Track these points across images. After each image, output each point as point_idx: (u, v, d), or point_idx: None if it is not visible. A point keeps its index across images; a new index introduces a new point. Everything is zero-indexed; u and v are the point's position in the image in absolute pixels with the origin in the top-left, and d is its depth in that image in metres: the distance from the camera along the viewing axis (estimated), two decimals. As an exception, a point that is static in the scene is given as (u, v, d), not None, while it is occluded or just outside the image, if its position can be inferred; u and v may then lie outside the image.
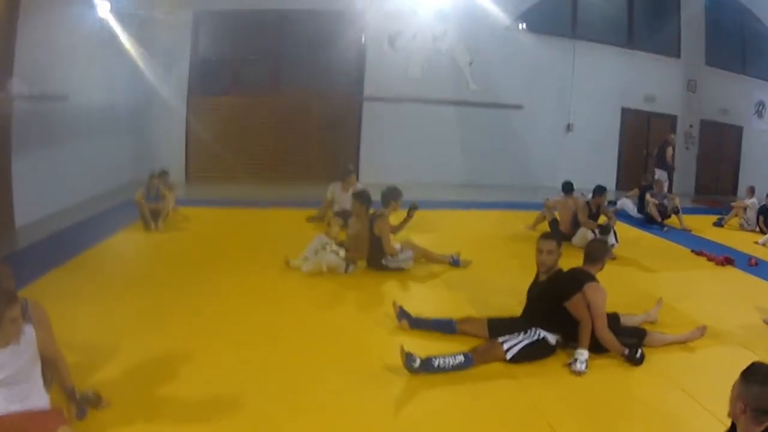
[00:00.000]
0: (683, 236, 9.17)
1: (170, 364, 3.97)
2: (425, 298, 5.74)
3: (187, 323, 4.76)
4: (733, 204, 10.63)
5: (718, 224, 10.27)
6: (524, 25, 12.91)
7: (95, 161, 10.28)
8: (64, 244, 7.18)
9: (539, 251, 4.42)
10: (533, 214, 8.91)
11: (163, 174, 8.65)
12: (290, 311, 5.20)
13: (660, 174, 11.59)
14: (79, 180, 9.64)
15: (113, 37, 10.60)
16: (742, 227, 10.07)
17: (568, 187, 8.52)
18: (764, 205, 10.01)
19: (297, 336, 4.62)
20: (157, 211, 8.13)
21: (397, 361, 3.90)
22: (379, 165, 12.72)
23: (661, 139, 12.55)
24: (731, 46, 14.55)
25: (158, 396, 3.57)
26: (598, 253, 4.54)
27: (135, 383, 3.69)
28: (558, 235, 6.65)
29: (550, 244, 4.42)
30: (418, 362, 3.86)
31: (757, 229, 9.79)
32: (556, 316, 4.28)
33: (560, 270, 4.48)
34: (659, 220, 9.71)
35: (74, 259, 6.47)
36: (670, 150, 12.05)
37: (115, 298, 5.24)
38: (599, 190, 8.18)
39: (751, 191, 10.19)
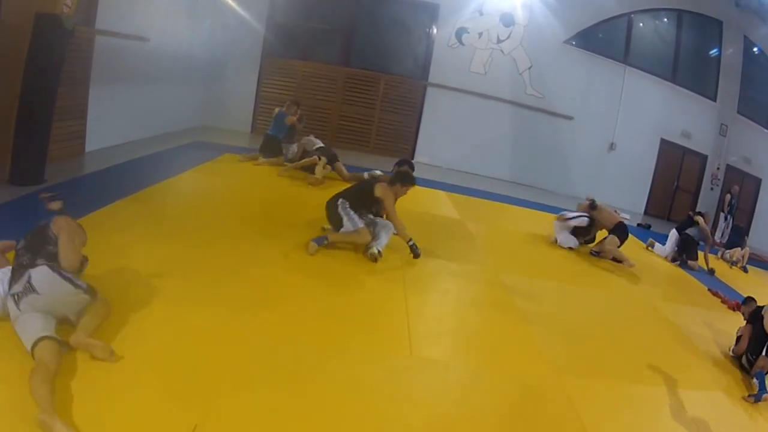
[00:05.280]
0: (705, 276, 9.09)
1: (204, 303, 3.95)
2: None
3: (233, 272, 4.64)
4: None
5: None
6: (582, 43, 13.61)
7: (167, 103, 10.55)
8: (130, 176, 7.12)
9: None
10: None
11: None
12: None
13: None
14: (150, 117, 9.85)
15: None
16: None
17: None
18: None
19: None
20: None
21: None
22: (433, 148, 13.22)
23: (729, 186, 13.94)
24: (761, 100, 15.43)
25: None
26: None
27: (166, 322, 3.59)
28: None
29: None
30: None
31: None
32: None
33: None
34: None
35: (138, 193, 6.30)
36: (727, 197, 13.18)
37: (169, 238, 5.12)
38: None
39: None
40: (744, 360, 5.06)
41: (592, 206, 8.40)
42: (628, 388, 4.19)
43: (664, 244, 9.75)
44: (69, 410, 2.58)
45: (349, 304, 4.51)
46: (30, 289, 3.01)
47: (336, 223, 5.75)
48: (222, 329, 3.62)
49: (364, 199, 5.82)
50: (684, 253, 9.33)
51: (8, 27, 5.44)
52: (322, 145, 9.37)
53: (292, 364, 3.42)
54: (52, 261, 3.18)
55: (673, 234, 9.60)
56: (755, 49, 15.00)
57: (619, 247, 8.11)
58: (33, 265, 3.09)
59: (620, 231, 8.19)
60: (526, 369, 4.11)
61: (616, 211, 8.64)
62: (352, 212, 5.70)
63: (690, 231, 9.40)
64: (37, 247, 3.19)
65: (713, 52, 15.00)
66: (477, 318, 4.93)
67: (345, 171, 9.22)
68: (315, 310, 4.22)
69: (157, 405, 2.76)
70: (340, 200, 5.77)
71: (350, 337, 3.94)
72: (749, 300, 5.78)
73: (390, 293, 4.94)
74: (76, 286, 3.16)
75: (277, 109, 9.75)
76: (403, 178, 5.99)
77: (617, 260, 7.97)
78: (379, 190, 5.78)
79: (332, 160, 9.04)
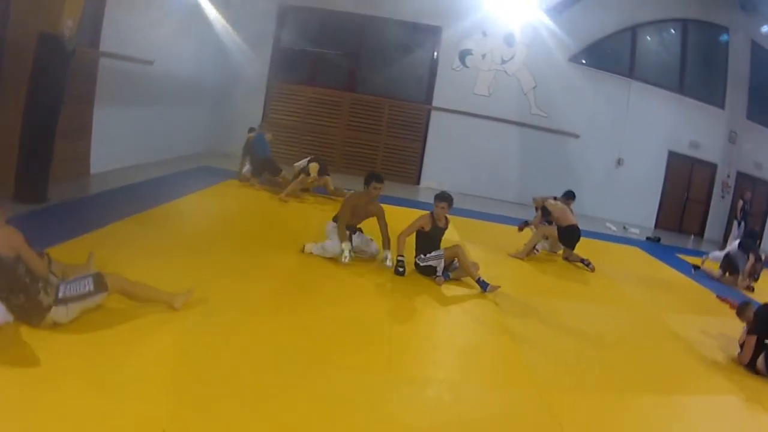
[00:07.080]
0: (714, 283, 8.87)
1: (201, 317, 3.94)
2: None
3: (226, 287, 4.65)
4: None
5: None
6: (586, 60, 13.65)
7: (173, 127, 10.62)
8: (134, 197, 7.16)
9: None
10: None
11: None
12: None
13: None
14: (156, 141, 9.91)
15: (203, 15, 11.16)
16: None
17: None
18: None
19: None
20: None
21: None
22: (439, 172, 13.20)
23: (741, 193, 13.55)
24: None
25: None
26: None
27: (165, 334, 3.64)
28: None
29: None
30: None
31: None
32: None
33: None
34: None
35: (141, 214, 6.38)
36: (740, 203, 12.85)
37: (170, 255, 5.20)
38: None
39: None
40: (761, 363, 4.80)
41: (544, 212, 8.44)
42: (617, 402, 3.99)
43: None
44: (44, 409, 2.58)
45: (334, 319, 4.46)
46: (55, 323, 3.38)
47: (431, 273, 5.96)
48: (203, 340, 3.63)
49: (422, 242, 6.06)
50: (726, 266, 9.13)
51: (13, 46, 5.53)
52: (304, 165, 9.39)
53: (269, 377, 3.37)
54: (36, 285, 3.33)
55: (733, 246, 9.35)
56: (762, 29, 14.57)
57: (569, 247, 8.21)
58: (46, 308, 3.32)
59: (566, 234, 8.16)
60: (510, 385, 3.95)
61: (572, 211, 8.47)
62: (426, 255, 5.97)
63: (736, 252, 9.14)
64: (7, 282, 3.24)
65: (722, 38, 14.76)
66: (463, 335, 4.85)
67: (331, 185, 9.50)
68: (298, 324, 4.20)
69: (129, 410, 2.72)
70: (416, 259, 6.05)
71: (332, 351, 3.87)
72: (746, 304, 5.55)
73: (376, 310, 4.87)
74: (59, 302, 3.37)
75: (251, 134, 9.68)
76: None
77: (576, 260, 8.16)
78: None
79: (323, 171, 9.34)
